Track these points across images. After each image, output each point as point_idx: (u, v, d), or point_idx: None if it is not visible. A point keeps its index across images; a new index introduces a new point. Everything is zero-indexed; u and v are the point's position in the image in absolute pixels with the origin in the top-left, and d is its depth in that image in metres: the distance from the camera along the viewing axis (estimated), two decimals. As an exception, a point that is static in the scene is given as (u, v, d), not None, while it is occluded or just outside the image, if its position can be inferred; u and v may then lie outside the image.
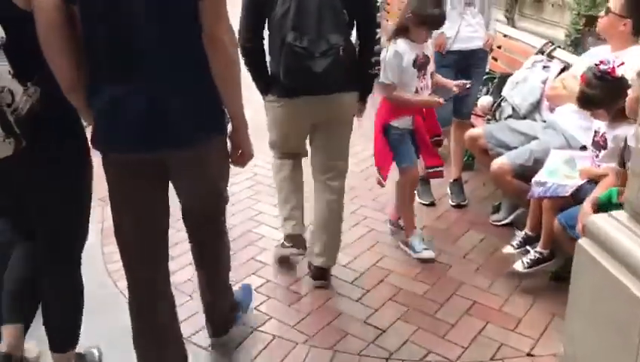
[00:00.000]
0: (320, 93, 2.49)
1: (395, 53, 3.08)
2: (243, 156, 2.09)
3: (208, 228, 2.22)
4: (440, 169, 3.41)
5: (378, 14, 3.27)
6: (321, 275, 3.03)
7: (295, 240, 3.05)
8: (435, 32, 3.72)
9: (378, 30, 3.10)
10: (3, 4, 1.71)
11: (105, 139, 1.87)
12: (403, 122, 3.24)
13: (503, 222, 3.70)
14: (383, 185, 3.37)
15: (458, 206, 3.95)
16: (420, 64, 3.16)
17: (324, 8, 2.49)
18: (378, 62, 3.09)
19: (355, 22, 2.68)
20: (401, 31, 3.12)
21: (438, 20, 3.09)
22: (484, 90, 4.17)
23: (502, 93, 3.88)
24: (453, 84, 3.37)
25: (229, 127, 2.04)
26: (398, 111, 3.22)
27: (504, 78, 4.02)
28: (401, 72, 3.12)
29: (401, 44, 3.11)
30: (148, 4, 1.70)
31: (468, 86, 3.43)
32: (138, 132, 1.78)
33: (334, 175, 2.90)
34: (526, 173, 3.14)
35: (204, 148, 1.90)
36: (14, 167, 1.82)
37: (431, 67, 3.27)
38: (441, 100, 3.19)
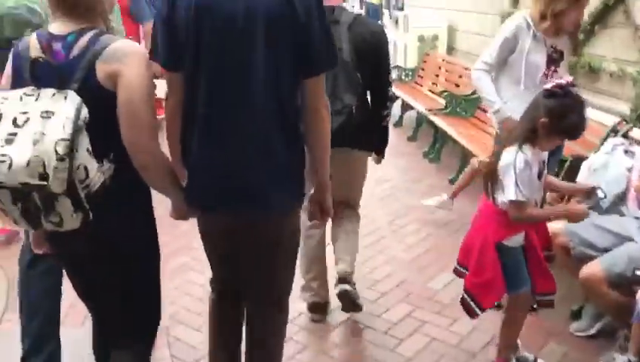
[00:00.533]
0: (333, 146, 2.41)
1: (525, 163, 2.50)
2: (324, 213, 2.19)
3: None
4: (552, 297, 2.75)
5: (391, 76, 3.15)
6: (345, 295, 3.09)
7: (315, 307, 3.29)
8: (500, 115, 3.35)
9: (390, 89, 3.06)
10: (90, 85, 1.72)
11: (202, 197, 1.99)
12: (516, 239, 2.69)
13: (587, 334, 3.18)
14: (476, 316, 2.76)
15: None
16: (539, 173, 2.64)
17: (338, 71, 2.58)
18: (389, 115, 3.09)
19: (369, 83, 2.89)
20: (529, 137, 2.55)
21: (583, 130, 2.58)
22: (553, 176, 3.71)
23: (576, 181, 3.43)
24: (586, 189, 2.79)
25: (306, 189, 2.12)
26: (515, 228, 2.65)
27: (577, 162, 3.58)
28: (531, 184, 2.56)
29: (529, 153, 2.54)
30: (254, 78, 1.83)
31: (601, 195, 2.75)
32: (232, 194, 1.94)
33: (348, 209, 3.26)
34: (625, 282, 2.64)
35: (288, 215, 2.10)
36: (80, 240, 1.81)
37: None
38: (587, 209, 2.63)
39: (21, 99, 1.64)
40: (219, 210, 2.01)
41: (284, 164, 1.94)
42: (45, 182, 1.56)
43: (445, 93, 6.42)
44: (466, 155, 5.37)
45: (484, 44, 4.07)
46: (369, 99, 2.97)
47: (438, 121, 6.05)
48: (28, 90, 1.67)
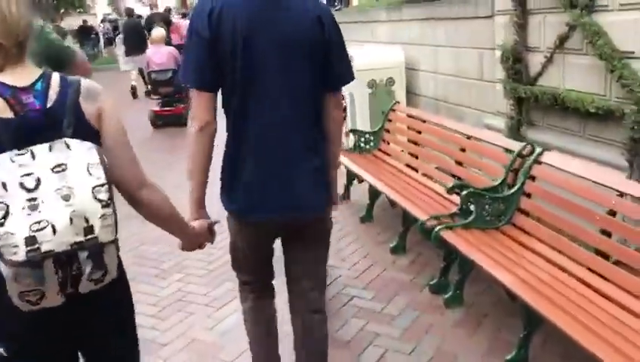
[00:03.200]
0: None
1: None
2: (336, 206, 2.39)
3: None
4: None
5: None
6: None
7: None
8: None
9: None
10: (82, 125, 1.61)
11: (245, 206, 2.15)
12: None
13: None
14: None
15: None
16: None
17: None
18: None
19: None
20: None
21: None
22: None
23: None
24: None
25: None
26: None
27: None
28: None
29: None
30: (300, 95, 2.07)
31: None
32: (288, 201, 2.13)
33: None
34: None
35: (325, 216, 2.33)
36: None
37: None
38: None
39: (12, 161, 1.46)
40: (274, 218, 2.15)
41: (322, 169, 2.18)
42: (94, 234, 1.47)
43: (463, 190, 3.33)
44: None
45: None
46: None
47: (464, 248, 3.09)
48: (14, 152, 1.47)
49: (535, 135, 4.41)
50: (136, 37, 12.70)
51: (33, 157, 1.47)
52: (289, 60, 2.00)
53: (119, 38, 20.85)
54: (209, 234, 2.04)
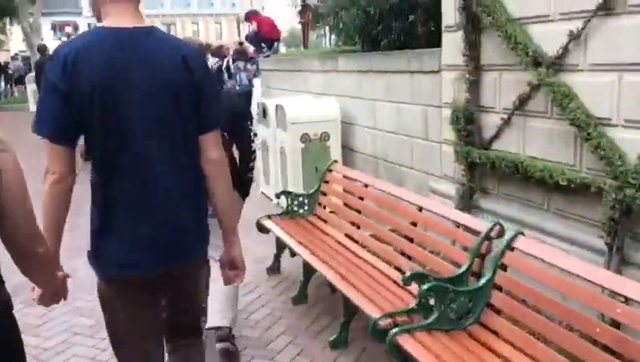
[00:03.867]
0: None
1: None
2: (240, 272, 2.25)
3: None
4: None
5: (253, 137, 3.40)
6: None
7: None
8: None
9: (253, 145, 3.38)
10: None
11: (116, 261, 1.99)
12: None
13: None
14: None
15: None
16: None
17: None
18: (253, 167, 3.34)
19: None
20: None
21: None
22: None
23: None
24: None
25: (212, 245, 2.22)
26: None
27: None
28: None
29: None
30: (168, 140, 1.96)
31: None
32: (152, 251, 1.99)
33: None
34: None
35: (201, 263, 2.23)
36: None
37: None
38: None
39: None
40: (151, 270, 2.01)
41: (198, 214, 2.08)
42: None
43: (423, 282, 2.66)
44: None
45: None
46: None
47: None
48: None
49: (488, 204, 3.93)
50: None
51: None
52: (152, 106, 1.92)
53: (30, 77, 19.55)
54: (65, 286, 1.99)
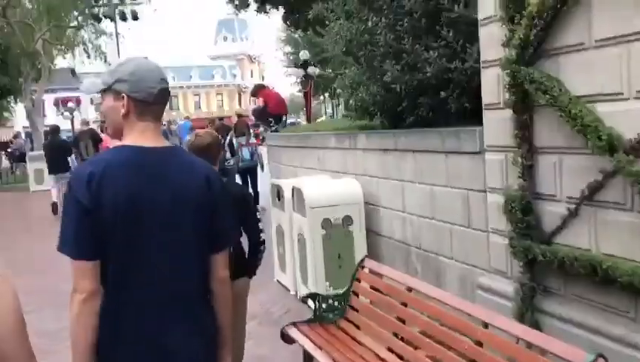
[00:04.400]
0: None
1: None
2: None
3: None
4: None
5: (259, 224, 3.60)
6: None
7: None
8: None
9: (262, 235, 3.55)
10: None
11: None
12: None
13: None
14: None
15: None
16: None
17: None
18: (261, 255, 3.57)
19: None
20: None
21: None
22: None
23: None
24: None
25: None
26: None
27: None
28: None
29: None
30: (187, 259, 2.01)
31: None
32: None
33: (238, 338, 3.30)
34: None
35: None
36: None
37: None
38: None
39: None
40: None
41: (209, 332, 2.10)
42: None
43: None
44: None
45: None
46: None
47: None
48: None
49: (554, 307, 3.36)
50: (61, 156, 12.57)
51: None
52: (172, 226, 1.98)
53: (31, 155, 19.30)
54: None
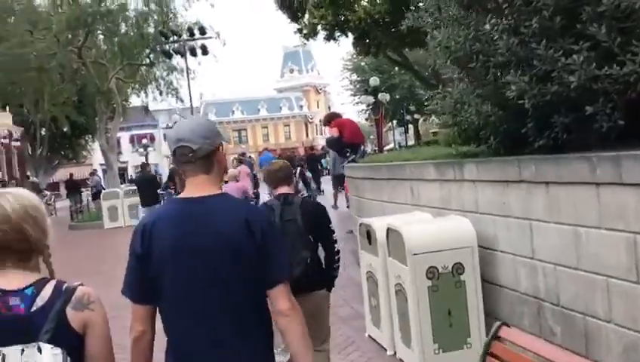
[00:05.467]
0: (297, 294, 2.46)
1: None
2: None
3: None
4: None
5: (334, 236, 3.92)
6: None
7: None
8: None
9: (336, 245, 3.92)
10: (62, 333, 1.72)
11: None
12: None
13: None
14: None
15: None
16: None
17: (295, 234, 3.70)
18: (338, 267, 3.94)
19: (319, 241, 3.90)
20: None
21: None
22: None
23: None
24: None
25: None
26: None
27: None
28: None
29: None
30: (232, 296, 2.12)
31: None
32: None
33: (322, 345, 3.81)
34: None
35: None
36: None
37: None
38: None
39: None
40: None
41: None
42: None
43: None
44: None
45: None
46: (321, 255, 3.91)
47: None
48: None
49: None
50: (152, 189, 14.06)
51: (3, 359, 1.65)
52: (213, 269, 2.09)
53: (105, 193, 19.40)
54: None
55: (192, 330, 2.09)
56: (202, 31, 22.47)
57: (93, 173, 25.93)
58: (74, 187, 26.03)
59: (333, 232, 3.92)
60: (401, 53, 21.11)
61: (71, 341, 1.70)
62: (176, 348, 2.13)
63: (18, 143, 30.62)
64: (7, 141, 29.01)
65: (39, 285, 1.74)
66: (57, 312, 1.70)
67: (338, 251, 3.90)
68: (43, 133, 33.15)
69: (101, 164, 33.99)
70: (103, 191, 20.59)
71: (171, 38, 22.47)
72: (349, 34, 19.24)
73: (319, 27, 18.89)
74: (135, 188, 15.48)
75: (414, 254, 4.40)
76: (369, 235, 5.27)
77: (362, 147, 10.30)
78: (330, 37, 19.00)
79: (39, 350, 1.62)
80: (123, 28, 23.68)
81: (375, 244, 5.11)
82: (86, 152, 45.21)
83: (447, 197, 5.17)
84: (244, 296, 2.11)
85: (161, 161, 57.08)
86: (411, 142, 45.07)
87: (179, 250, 2.08)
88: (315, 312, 3.57)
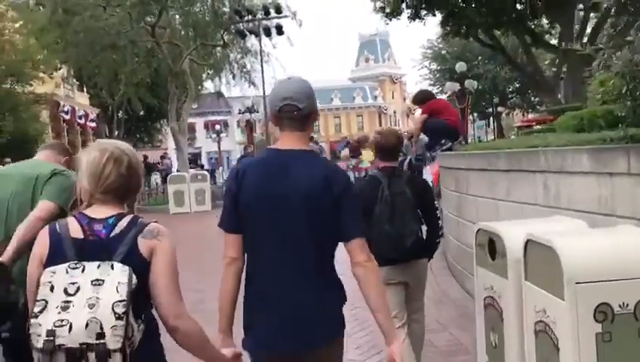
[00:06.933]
0: (410, 258, 3.76)
1: None
2: None
3: None
4: None
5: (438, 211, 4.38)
6: None
7: None
8: None
9: (440, 221, 4.41)
10: (132, 257, 2.06)
11: (259, 339, 2.47)
12: None
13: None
14: None
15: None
16: None
17: (405, 207, 3.97)
18: (440, 238, 4.35)
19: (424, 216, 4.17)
20: None
21: None
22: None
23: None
24: None
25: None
26: None
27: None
28: None
29: None
30: (304, 241, 2.42)
31: None
32: (288, 333, 2.42)
33: (419, 313, 4.26)
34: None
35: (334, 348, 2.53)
36: None
37: None
38: None
39: (67, 271, 1.98)
40: (280, 352, 2.44)
41: (326, 311, 2.46)
42: (103, 340, 1.86)
43: None
44: None
45: None
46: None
47: None
48: (72, 263, 2.00)
49: None
50: None
51: (83, 270, 1.98)
52: (289, 215, 2.40)
53: (171, 177, 18.71)
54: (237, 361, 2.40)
55: (269, 271, 2.43)
56: (278, 9, 21.30)
57: (164, 156, 25.54)
58: (146, 169, 25.81)
59: (437, 208, 4.43)
60: (493, 36, 19.18)
61: (140, 266, 2.05)
62: (250, 278, 2.50)
63: (94, 124, 30.74)
64: (82, 121, 29.12)
65: (119, 216, 2.14)
66: (130, 239, 2.08)
67: (441, 227, 4.50)
68: (120, 115, 33.27)
69: (175, 148, 33.89)
70: (169, 175, 19.96)
71: (246, 18, 21.48)
72: (437, 12, 17.53)
73: (404, 5, 17.28)
74: (204, 172, 15.66)
75: (578, 283, 2.88)
76: (492, 246, 3.77)
77: (461, 135, 8.69)
78: (415, 15, 17.36)
79: (112, 267, 1.98)
80: (198, 6, 22.90)
81: (503, 261, 3.60)
82: (161, 136, 45.58)
83: (610, 198, 3.59)
84: (313, 244, 2.40)
85: (233, 148, 57.07)
86: (491, 137, 42.50)
87: (261, 195, 2.42)
88: (421, 275, 4.20)
